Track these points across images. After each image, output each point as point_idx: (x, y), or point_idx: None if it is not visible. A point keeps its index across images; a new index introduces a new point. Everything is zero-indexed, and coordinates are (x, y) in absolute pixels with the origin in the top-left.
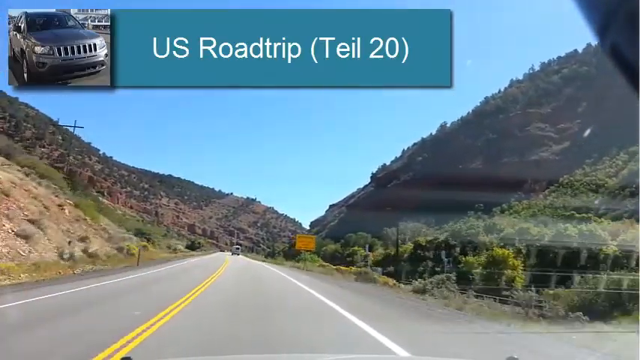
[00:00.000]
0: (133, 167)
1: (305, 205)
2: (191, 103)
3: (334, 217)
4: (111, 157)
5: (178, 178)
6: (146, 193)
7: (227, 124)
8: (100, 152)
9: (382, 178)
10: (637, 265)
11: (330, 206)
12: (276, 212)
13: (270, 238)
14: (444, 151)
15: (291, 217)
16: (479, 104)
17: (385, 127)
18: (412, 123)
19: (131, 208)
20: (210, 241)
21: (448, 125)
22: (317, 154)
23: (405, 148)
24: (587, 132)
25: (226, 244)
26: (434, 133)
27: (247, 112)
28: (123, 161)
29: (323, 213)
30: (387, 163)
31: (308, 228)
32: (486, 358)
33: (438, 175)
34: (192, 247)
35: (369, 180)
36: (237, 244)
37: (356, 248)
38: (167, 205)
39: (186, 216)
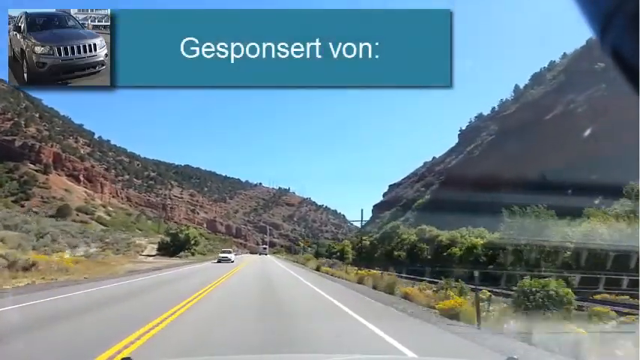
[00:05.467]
0: (140, 155)
1: (345, 194)
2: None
3: (417, 193)
4: (108, 140)
5: (197, 168)
6: (152, 182)
7: (249, 110)
8: (96, 136)
9: (514, 115)
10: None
11: (390, 186)
12: (314, 204)
13: (311, 234)
14: None
15: (332, 208)
16: None
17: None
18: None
19: (128, 200)
20: (236, 240)
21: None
22: (355, 136)
23: (521, 85)
24: None
25: (257, 244)
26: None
27: (273, 97)
28: (134, 151)
29: (381, 198)
30: (485, 112)
31: (353, 221)
32: (487, 358)
33: None
34: (174, 246)
35: (458, 140)
36: (263, 244)
37: None
38: (180, 196)
39: (204, 210)
